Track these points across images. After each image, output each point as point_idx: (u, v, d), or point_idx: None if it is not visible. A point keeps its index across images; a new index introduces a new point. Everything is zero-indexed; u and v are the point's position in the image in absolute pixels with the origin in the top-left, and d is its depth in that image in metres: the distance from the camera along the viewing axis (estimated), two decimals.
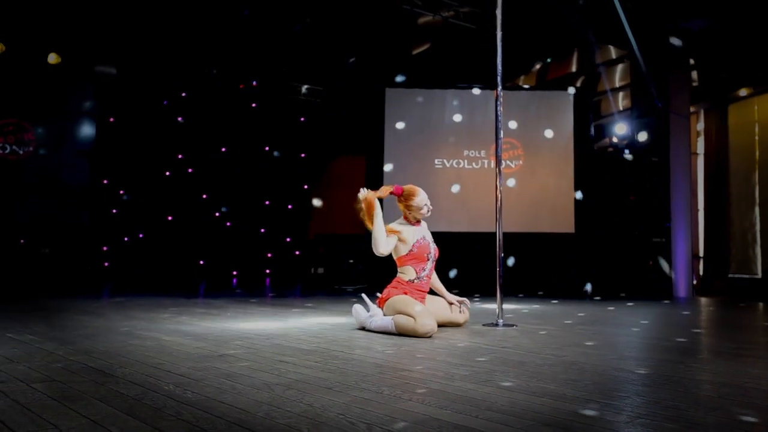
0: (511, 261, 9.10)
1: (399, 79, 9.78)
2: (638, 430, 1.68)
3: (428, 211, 4.17)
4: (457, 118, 9.51)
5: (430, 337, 3.62)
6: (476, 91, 9.46)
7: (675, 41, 8.65)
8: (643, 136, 9.39)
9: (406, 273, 4.05)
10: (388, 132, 9.46)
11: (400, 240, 4.06)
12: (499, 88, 4.39)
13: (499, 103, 4.40)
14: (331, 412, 1.87)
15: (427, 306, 3.99)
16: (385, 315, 3.93)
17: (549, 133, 9.48)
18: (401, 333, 3.70)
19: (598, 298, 7.77)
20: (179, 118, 9.73)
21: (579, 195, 9.35)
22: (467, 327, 4.19)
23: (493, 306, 5.30)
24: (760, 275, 8.84)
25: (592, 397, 2.10)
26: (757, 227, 8.94)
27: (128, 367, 2.57)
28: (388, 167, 9.40)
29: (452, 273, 8.96)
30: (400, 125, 9.47)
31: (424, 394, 2.12)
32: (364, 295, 4.20)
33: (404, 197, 4.13)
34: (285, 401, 2.01)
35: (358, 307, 4.11)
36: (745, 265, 9.09)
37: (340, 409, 1.91)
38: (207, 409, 1.90)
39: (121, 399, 2.03)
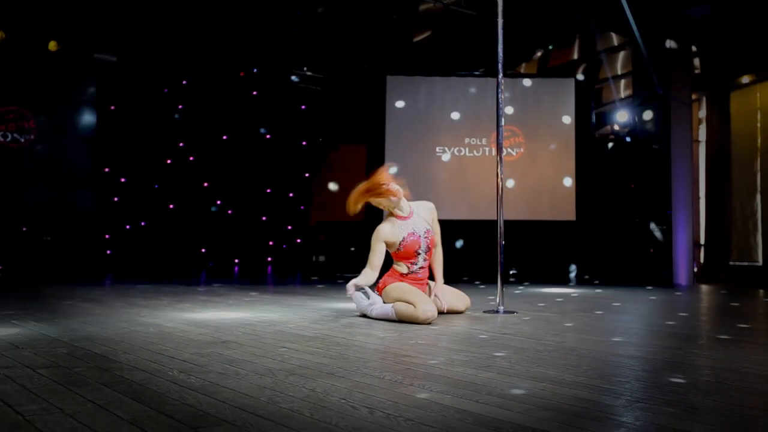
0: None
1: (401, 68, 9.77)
2: (637, 414, 1.70)
3: (398, 189, 4.02)
4: (459, 105, 9.50)
5: (430, 323, 3.64)
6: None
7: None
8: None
9: (400, 267, 4.07)
10: (389, 120, 9.45)
11: (387, 245, 4.05)
12: (501, 75, 4.38)
13: (500, 90, 4.39)
14: (333, 397, 1.89)
15: (427, 293, 4.02)
16: (384, 303, 3.94)
17: (550, 121, 9.46)
18: (402, 320, 3.72)
19: (598, 284, 7.80)
20: (180, 106, 9.72)
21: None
22: (468, 314, 4.21)
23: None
24: (761, 263, 8.85)
25: (591, 382, 2.12)
26: (759, 215, 8.94)
27: (131, 353, 2.59)
28: (388, 155, 9.40)
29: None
30: (400, 113, 9.46)
31: (425, 380, 2.14)
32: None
33: (369, 190, 4.04)
34: (288, 386, 2.02)
35: (358, 295, 4.13)
36: (746, 252, 9.11)
37: (342, 394, 1.93)
38: (211, 394, 1.92)
39: (126, 384, 2.05)
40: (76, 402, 1.82)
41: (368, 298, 4.05)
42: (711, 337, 3.24)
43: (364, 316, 4.02)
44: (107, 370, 2.27)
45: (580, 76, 9.96)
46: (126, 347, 2.74)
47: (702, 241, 9.60)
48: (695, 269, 9.04)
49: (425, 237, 4.07)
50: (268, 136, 10.23)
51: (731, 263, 9.28)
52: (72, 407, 1.76)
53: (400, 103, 9.48)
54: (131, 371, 2.24)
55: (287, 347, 2.78)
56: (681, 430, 1.56)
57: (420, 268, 4.07)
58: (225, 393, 1.93)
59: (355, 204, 4.04)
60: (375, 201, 4.05)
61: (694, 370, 2.35)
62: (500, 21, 4.39)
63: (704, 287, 7.83)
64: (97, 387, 2.00)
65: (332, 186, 10.31)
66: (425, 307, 3.65)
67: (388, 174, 4.06)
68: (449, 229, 9.12)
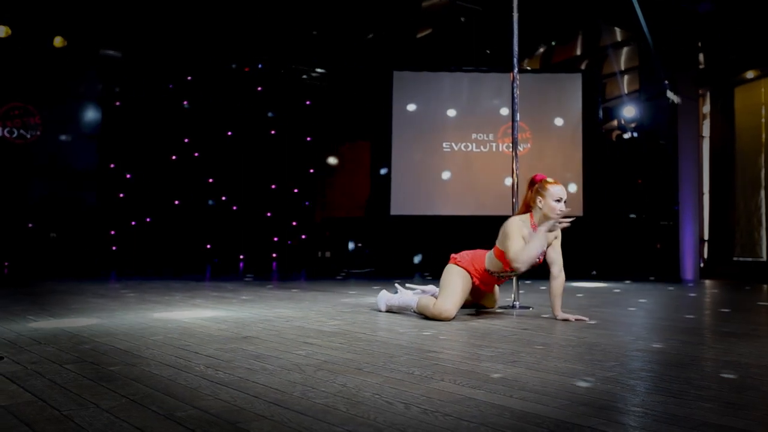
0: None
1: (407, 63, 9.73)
2: (675, 410, 1.70)
3: (560, 211, 3.64)
4: (465, 101, 9.48)
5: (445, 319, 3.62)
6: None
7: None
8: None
9: (491, 263, 3.74)
10: (395, 115, 9.43)
11: (523, 237, 3.63)
12: (516, 70, 4.37)
13: (516, 85, 4.38)
14: (366, 392, 1.88)
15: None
16: (444, 275, 3.80)
17: (557, 116, 9.45)
18: (420, 312, 3.71)
19: (606, 280, 7.79)
20: (185, 102, 9.69)
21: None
22: (485, 309, 4.18)
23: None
24: (765, 258, 8.87)
25: (621, 377, 2.11)
26: (763, 210, 8.95)
27: (155, 349, 2.58)
28: (395, 151, 9.39)
29: None
30: (406, 109, 9.44)
31: (455, 375, 2.13)
32: (397, 284, 4.19)
33: (539, 184, 3.72)
34: (318, 382, 2.02)
35: (382, 291, 4.12)
36: (750, 248, 9.12)
37: (375, 389, 1.93)
38: (242, 389, 1.91)
39: (155, 379, 2.04)
40: (109, 397, 1.81)
41: (391, 295, 4.06)
42: (730, 333, 3.24)
43: (389, 311, 4.01)
44: (134, 365, 2.26)
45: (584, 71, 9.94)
46: (148, 342, 2.73)
47: (706, 236, 9.61)
48: (700, 264, 9.05)
49: (539, 254, 3.68)
50: (272, 132, 10.21)
51: (735, 259, 9.29)
52: (106, 402, 1.75)
53: (406, 99, 9.46)
54: (159, 366, 2.24)
55: (310, 343, 2.77)
56: (724, 425, 1.55)
57: (507, 276, 3.85)
58: (257, 388, 1.93)
59: (530, 185, 3.80)
60: (538, 198, 3.70)
61: (721, 365, 2.35)
62: (515, 15, 4.38)
63: (710, 282, 7.83)
64: (127, 382, 2.00)
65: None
66: (441, 308, 3.58)
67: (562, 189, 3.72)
68: (455, 224, 9.13)
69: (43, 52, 8.66)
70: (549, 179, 3.74)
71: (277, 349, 2.59)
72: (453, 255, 3.87)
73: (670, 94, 8.28)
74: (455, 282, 3.69)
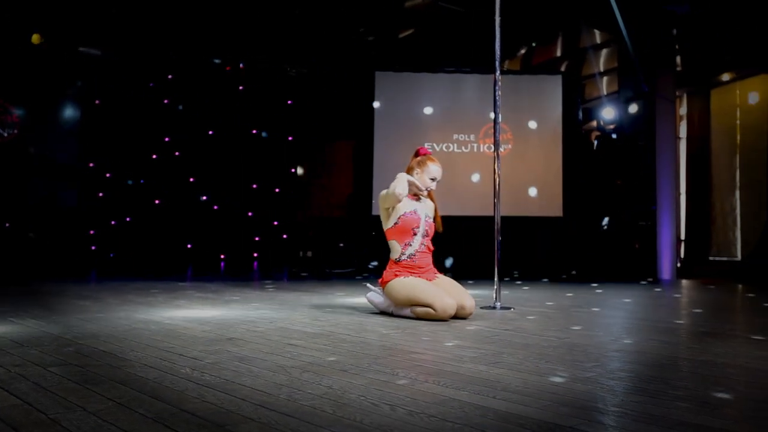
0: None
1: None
2: (653, 410, 1.74)
3: (426, 189, 3.97)
4: (447, 101, 9.53)
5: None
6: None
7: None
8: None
9: (393, 250, 3.92)
10: (377, 116, 9.45)
11: (389, 209, 3.94)
12: (498, 72, 4.41)
13: (498, 86, 4.42)
14: (352, 394, 1.91)
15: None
16: (392, 301, 3.89)
17: (537, 117, 9.53)
18: (421, 318, 3.69)
19: (585, 280, 7.88)
20: (165, 101, 9.62)
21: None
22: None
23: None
24: (739, 257, 9.02)
25: (601, 378, 2.15)
26: (738, 211, 9.10)
27: (140, 351, 2.58)
28: (377, 151, 9.41)
29: (448, 262, 9.09)
30: (389, 109, 9.46)
31: (439, 376, 2.16)
32: (369, 285, 4.18)
33: (422, 157, 4.00)
34: (304, 383, 2.04)
35: (371, 295, 4.08)
36: (726, 247, 9.27)
37: (360, 391, 1.95)
38: (228, 392, 1.92)
39: (141, 382, 2.05)
40: (95, 400, 1.82)
41: (381, 296, 4.03)
42: (706, 332, 3.31)
43: (383, 313, 4.01)
44: (119, 368, 2.26)
45: (564, 73, 10.03)
46: (132, 345, 2.73)
47: (683, 236, 9.75)
48: (677, 264, 9.18)
49: (425, 220, 3.96)
50: (254, 131, 10.17)
51: (711, 258, 9.44)
52: (93, 405, 1.76)
53: (388, 100, 9.48)
54: (144, 369, 2.24)
55: (294, 344, 2.79)
56: (700, 424, 1.60)
57: (417, 252, 3.90)
58: (243, 390, 1.94)
59: (415, 154, 4.09)
60: (416, 170, 3.99)
61: (697, 365, 2.41)
62: (498, 18, 4.43)
63: (687, 282, 7.96)
64: (113, 385, 2.00)
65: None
66: (445, 309, 3.61)
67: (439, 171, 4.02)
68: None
69: (21, 49, 8.55)
70: (432, 157, 4.03)
71: (261, 351, 2.60)
72: (379, 281, 4.00)
73: None
74: (414, 286, 3.75)
